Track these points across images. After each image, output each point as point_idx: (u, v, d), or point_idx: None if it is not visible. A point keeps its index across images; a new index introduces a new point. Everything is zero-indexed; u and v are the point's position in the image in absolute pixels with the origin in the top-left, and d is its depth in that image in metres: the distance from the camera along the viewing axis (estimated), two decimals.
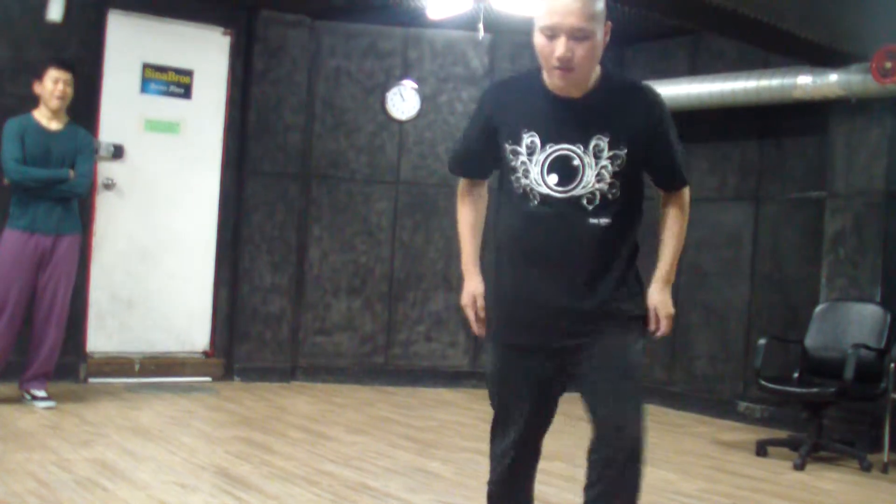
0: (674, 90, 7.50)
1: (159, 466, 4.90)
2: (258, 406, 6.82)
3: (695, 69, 7.85)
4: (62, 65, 6.19)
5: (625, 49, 8.45)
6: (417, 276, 8.26)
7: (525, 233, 2.91)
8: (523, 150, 2.85)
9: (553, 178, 2.82)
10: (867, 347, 6.07)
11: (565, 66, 2.74)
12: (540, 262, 2.89)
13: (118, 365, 7.35)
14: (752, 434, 6.79)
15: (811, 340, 6.53)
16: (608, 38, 2.81)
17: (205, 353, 7.81)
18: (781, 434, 6.65)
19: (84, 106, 7.01)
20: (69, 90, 6.20)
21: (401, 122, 8.23)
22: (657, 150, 2.89)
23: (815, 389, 6.08)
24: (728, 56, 7.62)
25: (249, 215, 7.84)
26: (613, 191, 2.84)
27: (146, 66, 7.50)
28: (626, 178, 2.85)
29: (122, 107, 7.38)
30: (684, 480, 5.41)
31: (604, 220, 2.84)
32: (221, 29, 7.81)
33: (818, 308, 6.65)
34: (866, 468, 5.90)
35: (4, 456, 4.82)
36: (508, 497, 3.17)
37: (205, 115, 7.77)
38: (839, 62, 6.39)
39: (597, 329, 2.89)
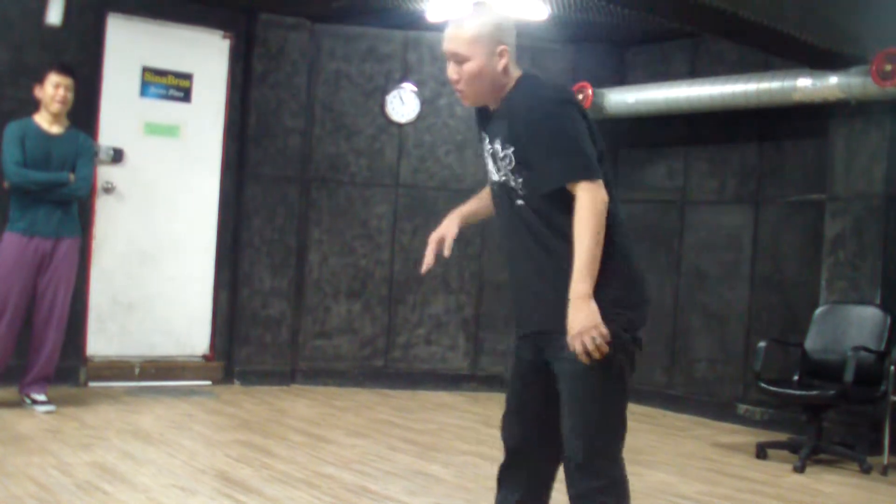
0: (674, 93, 7.52)
1: (159, 470, 4.90)
2: (258, 409, 6.82)
3: (695, 72, 7.86)
4: (63, 70, 6.19)
5: (625, 51, 8.46)
6: (417, 279, 8.26)
7: (495, 208, 3.25)
8: (483, 147, 3.20)
9: (492, 166, 3.13)
10: (867, 350, 6.07)
11: (455, 86, 3.10)
12: (508, 245, 3.19)
13: (118, 368, 7.35)
14: (752, 436, 6.79)
15: (811, 343, 6.53)
16: (504, 60, 3.04)
17: (205, 357, 7.81)
18: (781, 437, 6.65)
19: (84, 109, 7.01)
20: (70, 95, 6.21)
21: (400, 125, 8.23)
22: (529, 149, 2.99)
23: (815, 392, 6.08)
24: (728, 59, 7.62)
25: (249, 218, 7.84)
26: (519, 188, 3.04)
27: (146, 70, 7.50)
28: (525, 177, 3.04)
29: (121, 110, 7.38)
30: (684, 483, 5.41)
31: (527, 204, 3.04)
32: (221, 32, 7.81)
33: (818, 311, 6.65)
34: (866, 471, 5.90)
35: (5, 459, 4.82)
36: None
37: (204, 119, 7.77)
38: (839, 65, 6.40)
39: (555, 343, 2.98)
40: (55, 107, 6.15)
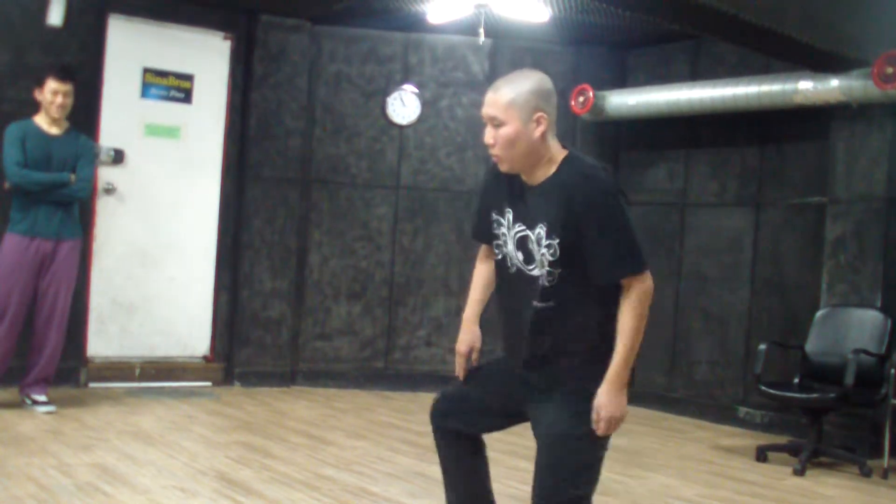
0: (675, 95, 7.52)
1: (160, 471, 4.90)
2: (258, 411, 6.82)
3: (696, 74, 7.86)
4: (61, 75, 6.14)
5: (626, 54, 8.46)
6: (418, 280, 8.26)
7: (504, 291, 3.21)
8: (506, 221, 3.11)
9: (520, 255, 3.07)
10: (867, 353, 6.07)
11: (490, 150, 3.04)
12: (511, 319, 3.17)
13: (119, 370, 7.34)
14: (752, 439, 6.79)
15: (811, 346, 6.53)
16: (542, 127, 2.98)
17: (205, 358, 7.81)
18: (781, 439, 6.65)
19: (84, 111, 7.01)
20: (69, 101, 6.19)
21: (401, 127, 8.23)
22: (589, 240, 2.94)
23: (815, 395, 6.07)
24: (729, 61, 7.62)
25: (250, 220, 7.84)
26: (551, 279, 3.01)
27: (146, 71, 7.50)
28: (566, 268, 3.00)
29: (122, 111, 7.38)
30: (684, 486, 5.41)
31: (544, 304, 3.04)
32: (222, 34, 7.81)
33: (818, 313, 6.65)
34: (866, 474, 5.90)
35: (5, 460, 4.82)
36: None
37: (205, 120, 7.77)
38: (840, 67, 6.40)
39: (548, 394, 3.07)
40: (54, 111, 6.15)
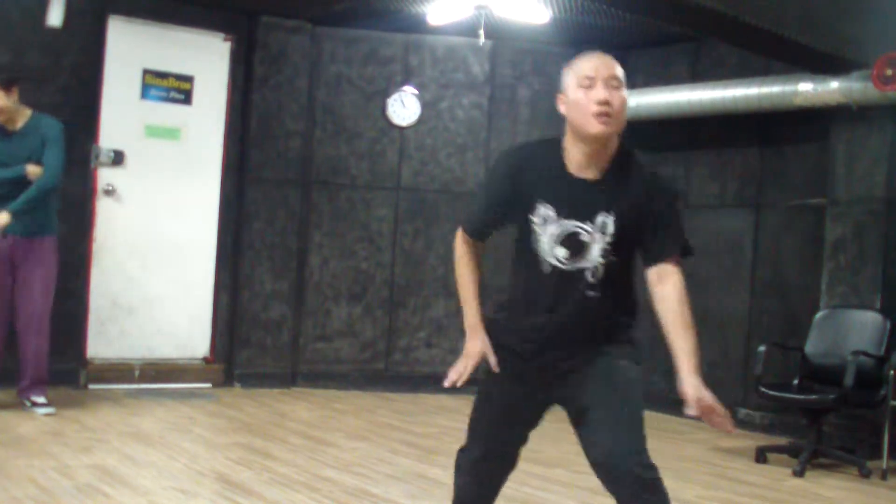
0: (675, 97, 7.53)
1: (160, 472, 4.90)
2: (259, 412, 6.82)
3: (696, 76, 7.86)
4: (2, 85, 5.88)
5: (626, 55, 8.44)
6: (418, 282, 8.26)
7: (535, 294, 3.05)
8: (538, 219, 2.98)
9: (562, 252, 2.97)
10: (867, 354, 6.07)
11: (602, 108, 2.88)
12: (543, 317, 3.04)
13: (118, 371, 7.34)
14: (751, 441, 6.78)
15: (811, 347, 6.53)
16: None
17: (205, 360, 7.81)
18: (781, 441, 6.65)
19: (84, 112, 7.02)
20: (8, 104, 5.90)
21: (402, 129, 8.23)
22: (653, 224, 2.98)
23: (814, 396, 6.08)
24: (729, 63, 7.62)
25: (250, 221, 7.84)
26: (613, 265, 2.98)
27: (146, 72, 7.50)
28: (621, 258, 3.00)
29: (122, 113, 7.38)
30: (684, 487, 5.40)
31: (601, 293, 2.99)
32: (222, 35, 7.82)
33: (818, 315, 6.65)
34: (866, 475, 5.90)
35: (5, 462, 4.82)
36: None
37: (205, 122, 7.77)
38: (840, 69, 6.40)
39: (588, 359, 3.05)
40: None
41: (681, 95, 7.47)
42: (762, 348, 6.39)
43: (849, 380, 5.85)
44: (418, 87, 8.23)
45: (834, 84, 6.49)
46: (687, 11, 5.62)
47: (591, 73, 2.93)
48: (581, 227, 2.94)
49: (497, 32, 7.74)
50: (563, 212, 2.95)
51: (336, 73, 8.16)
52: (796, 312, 7.12)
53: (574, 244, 2.95)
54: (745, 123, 7.45)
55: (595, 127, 2.89)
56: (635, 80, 8.29)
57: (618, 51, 8.40)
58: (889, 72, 6.11)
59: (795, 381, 6.42)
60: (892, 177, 6.56)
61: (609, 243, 2.94)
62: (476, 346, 3.15)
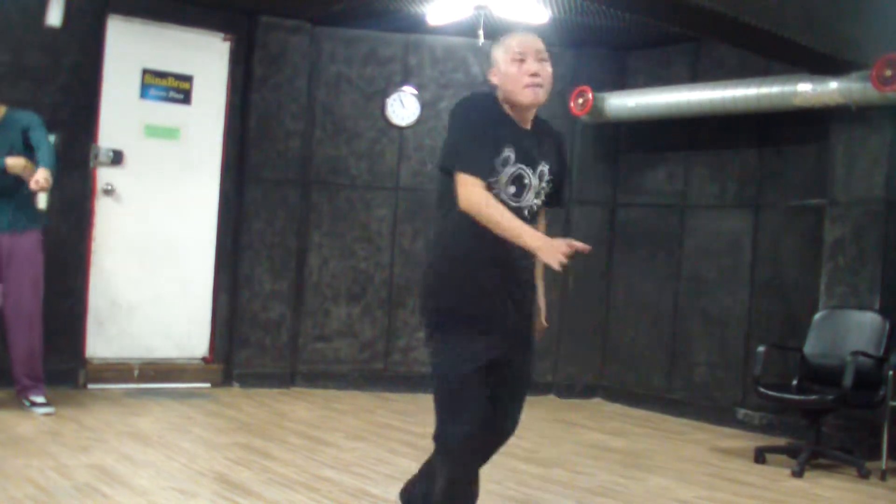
0: (674, 97, 7.52)
1: (158, 472, 4.90)
2: (258, 412, 6.82)
3: (696, 76, 7.86)
4: None
5: (626, 56, 8.46)
6: (417, 282, 8.26)
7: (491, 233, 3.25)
8: (500, 159, 3.31)
9: (511, 190, 3.34)
10: (866, 355, 6.07)
11: (533, 80, 3.30)
12: (498, 255, 3.33)
13: (117, 371, 7.34)
14: (750, 441, 6.79)
15: (810, 348, 6.53)
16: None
17: (204, 360, 7.80)
18: (780, 441, 6.65)
19: (84, 111, 7.01)
20: None
21: (401, 129, 8.23)
22: (560, 174, 3.54)
23: (813, 397, 6.07)
24: (729, 63, 7.62)
25: (249, 221, 7.84)
26: (534, 210, 3.45)
27: (146, 72, 7.50)
28: (545, 199, 3.51)
29: (121, 112, 7.37)
30: (683, 487, 5.40)
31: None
32: (221, 35, 7.81)
33: (817, 315, 6.65)
34: (864, 475, 5.90)
35: (4, 461, 4.81)
36: None
37: (205, 121, 7.77)
38: (839, 70, 6.40)
39: (521, 347, 3.53)
40: None
41: (680, 96, 7.47)
42: (761, 348, 6.40)
43: (848, 380, 5.85)
44: (418, 87, 8.23)
45: (833, 85, 6.49)
46: (687, 12, 5.62)
47: (522, 48, 3.34)
48: (525, 171, 3.35)
49: (496, 33, 7.65)
50: (520, 157, 3.33)
51: (335, 73, 8.16)
52: (795, 313, 7.12)
53: (519, 185, 3.34)
54: (744, 124, 7.45)
55: (528, 96, 3.32)
56: (635, 81, 8.32)
57: (617, 51, 8.49)
58: (888, 72, 6.11)
59: (794, 382, 6.43)
60: (892, 177, 6.56)
61: (541, 188, 3.41)
62: (554, 240, 3.10)
